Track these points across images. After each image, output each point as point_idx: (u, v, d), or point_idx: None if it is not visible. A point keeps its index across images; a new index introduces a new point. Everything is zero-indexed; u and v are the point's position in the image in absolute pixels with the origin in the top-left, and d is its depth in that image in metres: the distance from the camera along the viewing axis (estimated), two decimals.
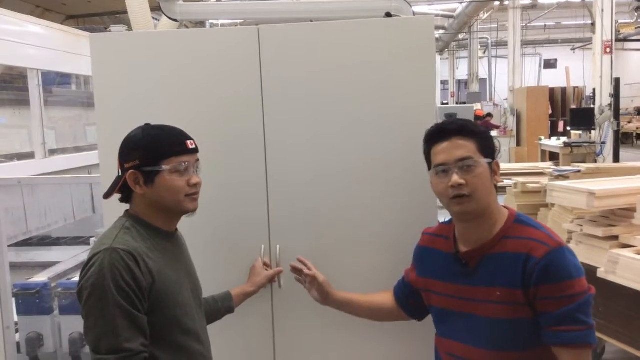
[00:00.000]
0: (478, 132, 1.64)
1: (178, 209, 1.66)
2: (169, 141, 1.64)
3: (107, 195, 1.69)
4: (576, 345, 1.51)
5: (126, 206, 1.73)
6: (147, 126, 1.68)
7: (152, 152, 1.61)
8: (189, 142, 1.67)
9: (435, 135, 1.67)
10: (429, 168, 1.70)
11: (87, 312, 1.50)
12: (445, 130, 1.65)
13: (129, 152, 1.63)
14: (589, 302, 1.53)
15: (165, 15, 5.06)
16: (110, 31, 5.88)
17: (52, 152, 5.94)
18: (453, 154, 1.60)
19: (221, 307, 1.97)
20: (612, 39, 9.16)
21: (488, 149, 1.64)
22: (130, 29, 6.36)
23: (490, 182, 1.62)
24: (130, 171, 1.61)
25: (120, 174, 1.65)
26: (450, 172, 1.60)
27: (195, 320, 1.70)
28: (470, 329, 1.63)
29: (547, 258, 1.52)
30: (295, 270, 1.99)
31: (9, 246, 3.28)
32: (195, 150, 1.69)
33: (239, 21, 8.62)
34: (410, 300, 1.88)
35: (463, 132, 1.62)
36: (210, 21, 9.29)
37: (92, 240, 4.14)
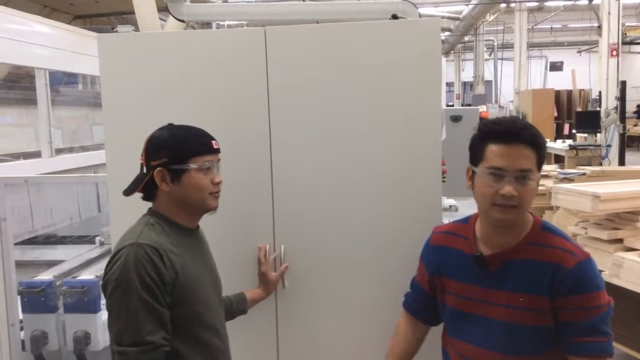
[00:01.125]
0: (543, 145, 1.56)
1: (201, 206, 1.71)
2: (195, 141, 1.70)
3: (128, 193, 1.71)
4: (596, 356, 1.52)
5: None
6: (172, 126, 1.73)
7: (180, 150, 1.66)
8: (213, 142, 1.73)
9: (501, 135, 1.54)
10: (474, 162, 1.60)
11: (111, 305, 1.54)
12: (517, 135, 1.52)
13: (156, 150, 1.67)
14: (610, 313, 1.54)
15: (173, 15, 5.08)
16: (117, 31, 5.90)
17: (59, 151, 5.96)
18: (516, 163, 1.51)
19: (235, 308, 2.00)
20: (618, 42, 9.13)
21: (543, 162, 1.59)
22: (137, 29, 6.38)
23: (535, 195, 1.57)
24: (158, 169, 1.65)
25: (144, 171, 1.68)
26: (505, 178, 1.51)
27: (215, 315, 1.74)
28: (484, 332, 1.62)
29: (577, 269, 1.51)
30: None
31: (14, 244, 3.29)
32: (218, 151, 1.74)
33: (244, 22, 8.63)
34: (428, 310, 1.82)
35: (533, 142, 1.53)
36: (217, 22, 9.31)
37: (97, 239, 4.16)
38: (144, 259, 1.52)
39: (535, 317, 1.55)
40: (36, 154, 5.70)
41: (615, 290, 3.12)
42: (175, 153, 1.65)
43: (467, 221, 1.73)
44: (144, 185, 1.68)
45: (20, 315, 3.18)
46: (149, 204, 1.76)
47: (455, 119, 4.77)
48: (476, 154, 1.59)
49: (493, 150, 1.53)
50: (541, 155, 1.56)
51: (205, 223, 2.03)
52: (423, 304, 1.83)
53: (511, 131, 1.53)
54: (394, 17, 2.18)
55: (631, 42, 19.69)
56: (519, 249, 1.59)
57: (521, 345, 1.58)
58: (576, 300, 1.51)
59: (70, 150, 6.46)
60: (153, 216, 1.69)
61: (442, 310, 1.77)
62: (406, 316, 1.88)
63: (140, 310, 1.50)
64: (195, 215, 1.75)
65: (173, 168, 1.65)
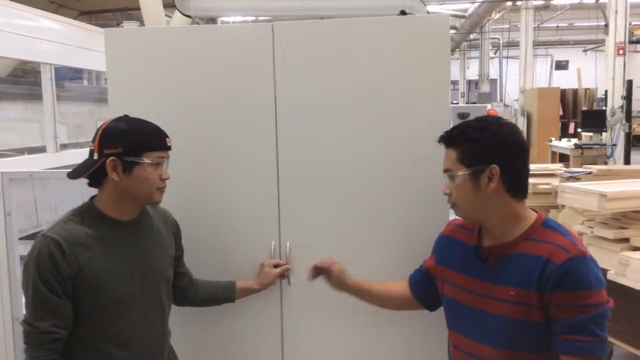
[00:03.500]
0: (460, 141, 1.61)
1: (146, 199, 1.78)
2: (152, 136, 1.76)
3: (74, 176, 1.76)
4: (584, 356, 1.49)
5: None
6: (129, 118, 1.78)
7: (137, 143, 1.71)
8: (167, 139, 1.79)
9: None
10: None
11: (22, 285, 1.71)
12: (442, 139, 1.68)
13: (113, 140, 1.70)
14: (605, 315, 1.51)
15: (179, 11, 5.06)
16: (122, 27, 5.89)
17: (64, 146, 5.96)
18: (444, 164, 1.66)
19: (221, 294, 2.05)
20: (625, 41, 9.09)
21: (475, 157, 1.58)
22: (142, 25, 6.37)
23: (473, 192, 1.59)
24: (111, 158, 1.69)
25: (95, 158, 1.71)
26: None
27: (134, 309, 1.76)
28: (479, 325, 1.63)
29: (566, 265, 1.50)
30: (313, 272, 1.97)
31: (19, 239, 3.29)
32: (170, 148, 1.80)
33: (249, 18, 8.62)
34: (424, 289, 1.88)
35: (447, 142, 1.65)
36: (222, 19, 9.30)
37: None
38: (44, 251, 1.63)
39: (525, 311, 1.55)
40: (41, 149, 5.70)
41: (622, 290, 3.11)
42: (131, 145, 1.70)
43: None
44: (92, 172, 1.72)
45: (25, 310, 3.19)
46: None
47: (463, 116, 4.76)
48: None
49: None
50: (464, 150, 1.60)
51: (211, 220, 2.03)
52: (422, 281, 1.90)
53: (440, 137, 1.68)
54: (402, 13, 2.16)
55: (638, 41, 19.58)
56: (515, 244, 1.60)
57: (513, 340, 1.57)
58: (562, 297, 1.49)
59: (75, 145, 6.47)
60: (86, 205, 1.76)
61: (442, 301, 1.81)
62: (405, 281, 1.97)
63: (34, 297, 1.65)
64: (136, 207, 1.81)
65: (126, 160, 1.69)
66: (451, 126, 1.74)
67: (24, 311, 1.75)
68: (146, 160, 1.71)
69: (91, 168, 1.71)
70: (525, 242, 1.59)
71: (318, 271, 1.95)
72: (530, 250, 1.57)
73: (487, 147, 1.58)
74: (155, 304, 1.84)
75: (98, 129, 1.74)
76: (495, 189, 1.57)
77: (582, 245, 1.56)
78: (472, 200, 1.60)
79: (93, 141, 1.72)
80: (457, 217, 1.82)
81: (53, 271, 1.63)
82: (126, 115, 1.79)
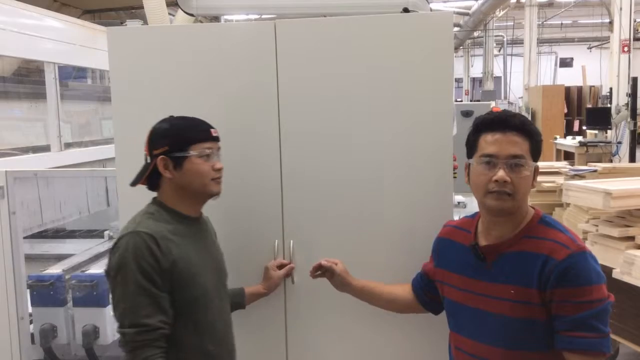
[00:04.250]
0: (535, 133, 1.60)
1: (204, 191, 1.78)
2: (195, 129, 1.78)
3: (134, 183, 1.79)
4: (588, 352, 1.49)
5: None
6: (172, 117, 1.81)
7: (181, 138, 1.74)
8: (212, 130, 1.81)
9: (492, 124, 1.59)
10: (469, 155, 1.64)
11: (113, 291, 1.66)
12: (506, 122, 1.57)
13: (158, 140, 1.75)
14: (607, 310, 1.51)
15: (182, 9, 5.06)
16: (126, 26, 5.90)
17: (68, 145, 5.97)
18: (506, 149, 1.55)
19: (232, 301, 2.02)
20: (630, 38, 9.05)
21: (537, 153, 1.61)
22: (145, 23, 6.38)
23: (530, 185, 1.59)
24: (160, 157, 1.72)
25: (148, 161, 1.76)
26: (497, 166, 1.55)
27: (216, 300, 1.80)
28: (481, 325, 1.63)
29: (567, 261, 1.50)
30: (315, 270, 1.97)
31: (24, 238, 3.30)
32: (218, 139, 1.82)
33: (252, 16, 8.62)
34: (426, 293, 1.88)
35: (523, 129, 1.57)
36: (225, 17, 9.30)
37: (106, 233, 4.17)
38: (141, 246, 1.62)
39: (526, 309, 1.54)
40: (45, 148, 5.71)
41: (626, 288, 3.09)
42: (176, 141, 1.73)
43: (474, 216, 1.75)
44: (148, 175, 1.76)
45: (30, 309, 3.19)
46: None
47: (467, 114, 4.74)
48: (471, 147, 1.64)
49: (485, 140, 1.59)
50: (534, 144, 1.58)
51: (215, 217, 2.03)
52: (423, 285, 1.89)
53: (500, 119, 1.58)
54: (405, 10, 2.16)
55: None
56: (514, 242, 1.59)
57: (514, 339, 1.57)
58: (563, 293, 1.49)
59: (80, 144, 6.48)
60: (155, 205, 1.77)
61: (443, 304, 1.80)
62: (408, 285, 1.96)
63: (138, 295, 1.61)
64: (198, 202, 1.82)
65: (174, 155, 1.72)
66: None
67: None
68: (193, 152, 1.73)
69: (146, 171, 1.76)
70: (523, 239, 1.59)
71: (321, 269, 1.94)
72: (529, 248, 1.56)
73: (541, 146, 1.63)
74: (225, 297, 1.89)
75: (147, 135, 1.78)
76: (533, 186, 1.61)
77: (580, 240, 1.56)
78: (528, 193, 1.60)
79: (145, 147, 1.77)
80: (453, 219, 1.83)
81: (154, 265, 1.62)
82: (170, 116, 1.82)
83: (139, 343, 1.60)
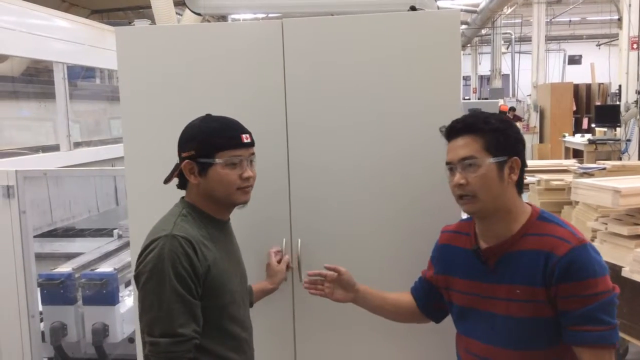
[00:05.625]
0: (487, 129, 1.58)
1: (228, 200, 1.70)
2: (225, 134, 1.66)
3: (167, 181, 1.72)
4: (598, 346, 1.49)
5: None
6: (207, 117, 1.72)
7: (208, 144, 1.64)
8: (244, 135, 1.69)
9: (448, 134, 1.65)
10: None
11: (144, 296, 1.54)
12: (453, 128, 1.63)
13: (186, 142, 1.67)
14: (613, 302, 1.51)
15: (189, 9, 5.09)
16: (134, 26, 5.93)
17: (77, 144, 6.00)
18: (457, 153, 1.59)
19: None
20: (639, 35, 8.98)
21: (500, 146, 1.57)
22: (153, 23, 6.40)
23: (497, 181, 1.56)
24: (186, 161, 1.65)
25: (178, 161, 1.70)
26: (455, 171, 1.60)
27: (242, 307, 1.74)
28: (490, 328, 1.62)
29: (569, 256, 1.49)
30: (311, 283, 1.93)
31: (34, 237, 3.33)
32: (250, 144, 1.72)
33: (259, 15, 8.64)
34: (427, 300, 1.85)
35: (469, 129, 1.59)
36: (232, 16, 9.32)
37: (116, 232, 4.19)
38: (178, 251, 1.53)
39: (534, 308, 1.54)
40: (55, 148, 5.74)
41: (636, 287, 3.07)
42: (203, 146, 1.64)
43: (470, 218, 1.74)
44: (179, 174, 1.70)
45: (40, 307, 3.22)
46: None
47: (474, 112, 4.72)
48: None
49: (447, 149, 1.65)
50: (490, 139, 1.57)
51: None
52: (427, 292, 1.86)
53: (450, 127, 1.64)
54: (412, 8, 2.15)
55: None
56: (514, 241, 1.59)
57: (523, 339, 1.57)
58: (568, 288, 1.49)
59: (89, 143, 6.51)
60: (186, 207, 1.68)
61: (450, 310, 1.79)
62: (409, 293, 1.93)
63: (174, 302, 1.51)
64: (223, 209, 1.74)
65: (200, 161, 1.64)
66: None
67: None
68: (218, 160, 1.63)
69: (175, 172, 1.70)
70: (524, 237, 1.58)
71: (328, 270, 1.92)
72: (530, 246, 1.56)
73: (511, 139, 1.60)
74: (247, 303, 1.84)
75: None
76: (511, 181, 1.59)
77: (580, 233, 1.56)
78: (495, 190, 1.57)
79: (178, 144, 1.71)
80: (450, 224, 1.82)
81: (190, 271, 1.53)
82: (207, 115, 1.73)
83: (174, 354, 1.50)
